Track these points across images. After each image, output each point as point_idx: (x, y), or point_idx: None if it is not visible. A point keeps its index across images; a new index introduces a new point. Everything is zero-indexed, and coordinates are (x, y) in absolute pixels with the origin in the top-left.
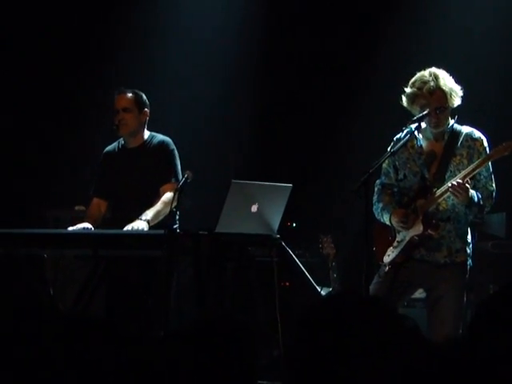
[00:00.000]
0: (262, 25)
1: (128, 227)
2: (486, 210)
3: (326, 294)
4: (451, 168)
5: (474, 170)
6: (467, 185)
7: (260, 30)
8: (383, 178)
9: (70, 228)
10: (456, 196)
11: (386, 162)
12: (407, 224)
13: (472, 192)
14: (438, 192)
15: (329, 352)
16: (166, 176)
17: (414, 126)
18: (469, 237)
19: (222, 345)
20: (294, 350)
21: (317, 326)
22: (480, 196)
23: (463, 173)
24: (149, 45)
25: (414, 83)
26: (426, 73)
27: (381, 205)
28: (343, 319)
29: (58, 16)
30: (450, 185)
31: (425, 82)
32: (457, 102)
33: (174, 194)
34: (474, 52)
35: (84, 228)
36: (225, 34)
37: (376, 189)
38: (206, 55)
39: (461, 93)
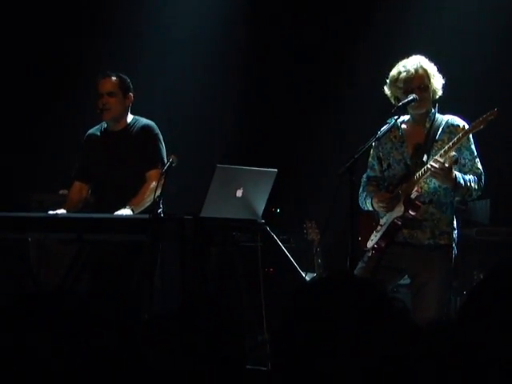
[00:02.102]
0: (248, 10)
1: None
2: (476, 193)
3: (311, 279)
4: (432, 154)
5: (452, 146)
6: (446, 164)
7: (246, 16)
8: (368, 171)
9: (51, 212)
10: (435, 177)
11: (371, 154)
12: (388, 205)
13: (457, 173)
14: (418, 174)
15: (318, 335)
16: (151, 161)
17: (396, 117)
18: (454, 222)
19: (209, 327)
20: (282, 333)
21: (306, 308)
22: (467, 178)
23: (442, 151)
24: (133, 29)
25: (397, 65)
26: (409, 58)
27: (365, 194)
28: (333, 301)
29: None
30: (429, 166)
31: (410, 62)
32: (438, 86)
33: (159, 179)
34: (456, 39)
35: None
36: (210, 19)
37: (362, 181)
38: (191, 40)
39: (442, 80)
